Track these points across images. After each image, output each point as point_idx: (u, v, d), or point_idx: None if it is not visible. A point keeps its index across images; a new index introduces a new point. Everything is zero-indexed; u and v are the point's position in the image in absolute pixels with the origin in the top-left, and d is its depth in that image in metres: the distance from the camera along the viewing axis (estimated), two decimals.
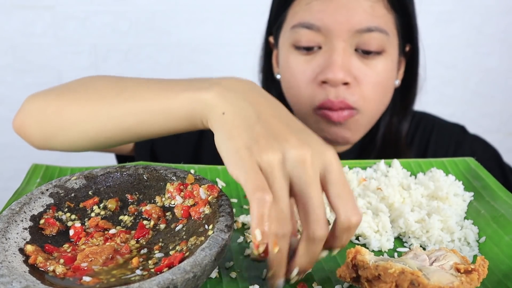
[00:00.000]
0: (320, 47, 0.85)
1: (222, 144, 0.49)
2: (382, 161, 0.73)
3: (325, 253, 0.50)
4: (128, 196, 0.59)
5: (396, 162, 0.73)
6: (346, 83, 0.83)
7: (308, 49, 0.86)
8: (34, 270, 0.47)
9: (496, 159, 1.00)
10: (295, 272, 0.48)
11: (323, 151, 0.48)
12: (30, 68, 1.58)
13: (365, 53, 0.84)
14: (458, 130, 1.04)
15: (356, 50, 0.84)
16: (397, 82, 0.95)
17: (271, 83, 0.98)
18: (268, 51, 0.99)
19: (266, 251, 0.45)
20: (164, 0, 1.56)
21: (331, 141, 0.90)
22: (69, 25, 1.55)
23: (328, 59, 0.83)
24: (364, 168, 0.73)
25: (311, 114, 0.88)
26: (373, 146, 0.98)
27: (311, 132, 0.50)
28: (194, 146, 1.01)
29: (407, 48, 0.95)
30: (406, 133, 0.99)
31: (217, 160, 0.75)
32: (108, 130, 0.63)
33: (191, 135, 1.01)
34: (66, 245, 0.53)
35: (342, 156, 0.98)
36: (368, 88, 0.85)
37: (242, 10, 1.56)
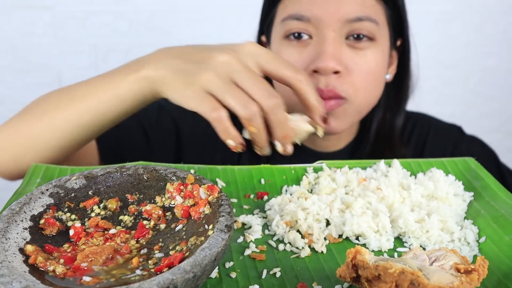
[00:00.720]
0: (310, 37, 0.86)
1: (177, 97, 0.61)
2: (382, 161, 0.73)
3: (310, 128, 0.60)
4: (128, 196, 0.59)
5: (396, 162, 0.73)
6: (336, 72, 0.84)
7: (299, 37, 0.86)
8: (34, 270, 0.47)
9: (493, 160, 0.99)
10: (278, 144, 0.60)
11: (243, 47, 0.59)
12: (30, 68, 1.58)
13: (356, 40, 0.85)
14: (455, 131, 1.04)
15: (346, 38, 0.85)
16: (389, 77, 0.95)
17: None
18: None
19: (243, 145, 0.58)
20: (164, 0, 1.56)
21: None
22: (69, 25, 1.55)
23: (319, 48, 0.84)
24: (364, 168, 0.73)
25: (298, 104, 0.89)
26: (367, 142, 0.98)
27: (232, 44, 0.61)
28: (175, 153, 1.00)
29: (398, 43, 0.96)
30: (400, 129, 0.99)
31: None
32: (69, 133, 0.70)
33: (166, 143, 1.00)
34: (66, 245, 0.53)
35: (336, 153, 0.99)
36: (359, 77, 0.85)
37: (242, 10, 1.56)
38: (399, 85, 0.98)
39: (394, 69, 0.97)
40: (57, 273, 0.47)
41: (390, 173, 0.70)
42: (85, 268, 0.48)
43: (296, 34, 0.86)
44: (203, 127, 1.02)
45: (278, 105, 0.57)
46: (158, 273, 0.46)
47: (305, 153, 0.99)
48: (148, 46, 1.66)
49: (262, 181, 0.72)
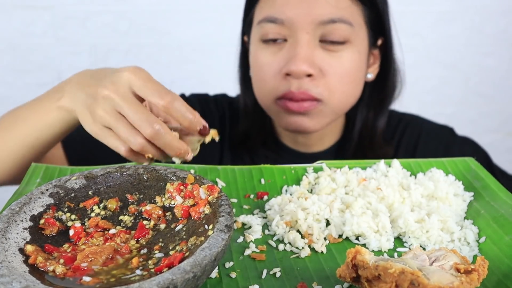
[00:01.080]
0: (285, 40, 0.86)
1: (89, 131, 0.65)
2: (382, 161, 0.73)
3: (198, 137, 0.63)
4: (128, 196, 0.59)
5: (396, 162, 0.73)
6: (309, 75, 0.84)
7: (274, 41, 0.87)
8: (34, 270, 0.47)
9: (487, 161, 0.98)
10: (175, 159, 0.62)
11: (119, 77, 0.62)
12: (30, 68, 1.58)
13: (330, 44, 0.85)
14: (446, 133, 1.03)
15: (321, 41, 0.85)
16: (370, 76, 0.95)
17: (248, 82, 0.98)
18: (245, 50, 1.00)
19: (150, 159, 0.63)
20: (164, 0, 1.55)
21: (293, 130, 0.91)
22: (69, 25, 1.55)
23: (292, 51, 0.85)
24: (364, 168, 0.73)
25: (272, 105, 0.90)
26: (350, 142, 0.99)
27: (115, 70, 0.64)
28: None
29: (380, 41, 0.95)
30: (383, 128, 0.99)
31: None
32: (20, 151, 0.77)
33: None
34: (66, 245, 0.53)
35: (321, 153, 0.99)
36: (334, 79, 0.86)
37: (242, 10, 1.56)
38: (381, 84, 0.98)
39: (376, 68, 0.97)
40: (57, 273, 0.47)
41: (390, 173, 0.70)
42: (85, 268, 0.48)
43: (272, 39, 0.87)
44: None
45: (158, 131, 0.59)
46: (158, 273, 0.45)
47: (289, 154, 1.00)
48: (148, 46, 1.67)
49: (262, 181, 0.72)
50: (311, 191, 0.70)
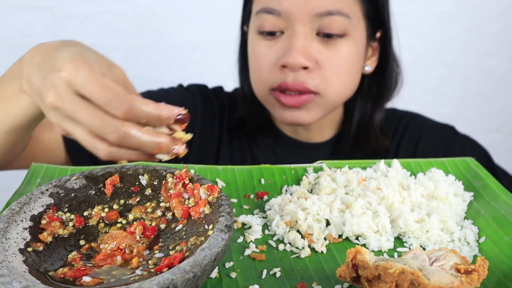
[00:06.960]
0: (282, 32, 0.86)
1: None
2: (382, 161, 0.73)
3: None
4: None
5: (396, 162, 0.73)
6: (306, 68, 0.85)
7: (271, 34, 0.87)
8: (34, 269, 0.47)
9: (487, 160, 0.99)
10: (162, 157, 0.52)
11: (58, 81, 0.51)
12: None
13: (327, 37, 0.85)
14: (447, 131, 1.04)
15: (317, 34, 0.85)
16: (368, 68, 0.96)
17: (247, 72, 0.98)
18: (244, 40, 1.00)
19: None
20: (164, 0, 1.56)
21: (289, 124, 0.92)
22: (69, 25, 1.55)
23: (288, 43, 0.85)
24: (364, 168, 0.73)
25: (267, 96, 0.90)
26: (348, 133, 0.99)
27: (53, 67, 0.53)
28: None
29: (379, 34, 0.95)
30: (381, 120, 1.00)
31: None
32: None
33: None
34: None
35: (320, 144, 1.00)
36: (331, 72, 0.86)
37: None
38: (380, 77, 0.98)
39: (375, 61, 0.97)
40: (57, 273, 0.47)
41: (390, 173, 0.70)
42: (85, 268, 0.48)
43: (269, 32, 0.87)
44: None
45: (125, 134, 0.49)
46: (158, 273, 0.46)
47: (287, 142, 1.00)
48: (148, 46, 1.67)
49: (262, 181, 0.72)
50: (311, 191, 0.70)
